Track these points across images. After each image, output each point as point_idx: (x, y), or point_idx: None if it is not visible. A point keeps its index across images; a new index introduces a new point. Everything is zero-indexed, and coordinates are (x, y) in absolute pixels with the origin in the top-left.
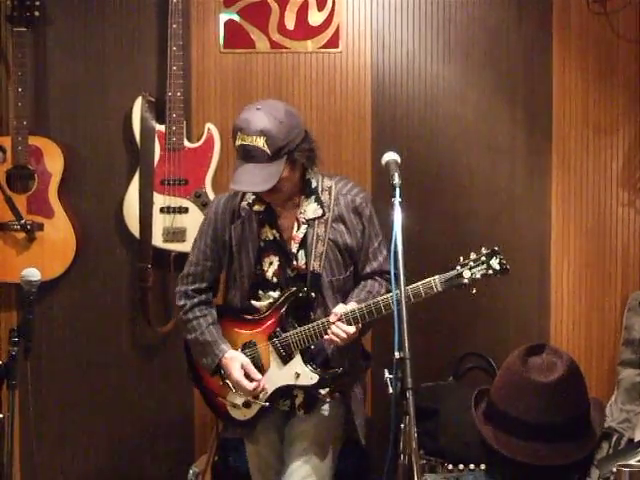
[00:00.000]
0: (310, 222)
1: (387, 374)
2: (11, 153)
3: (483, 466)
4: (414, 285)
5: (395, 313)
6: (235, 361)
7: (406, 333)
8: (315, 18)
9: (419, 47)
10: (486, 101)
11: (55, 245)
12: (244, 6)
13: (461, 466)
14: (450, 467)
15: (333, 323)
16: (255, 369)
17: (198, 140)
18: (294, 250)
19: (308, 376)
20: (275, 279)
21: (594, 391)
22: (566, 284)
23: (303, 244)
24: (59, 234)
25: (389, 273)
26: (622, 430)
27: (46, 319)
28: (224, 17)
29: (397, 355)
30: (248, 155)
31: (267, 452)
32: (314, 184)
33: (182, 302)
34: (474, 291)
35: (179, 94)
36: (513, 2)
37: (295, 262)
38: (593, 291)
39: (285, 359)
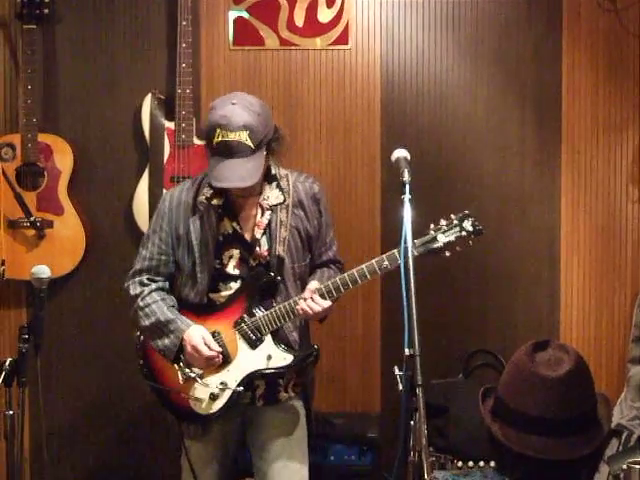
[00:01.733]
0: (273, 208)
1: (397, 371)
2: (21, 150)
3: (493, 463)
4: (390, 252)
5: (405, 310)
6: (197, 331)
7: (416, 330)
8: (324, 15)
9: (429, 44)
10: (496, 98)
11: (65, 242)
12: (253, 3)
13: (471, 463)
14: (460, 464)
15: (308, 298)
16: (215, 341)
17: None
18: (258, 236)
19: (281, 357)
20: (237, 271)
21: (604, 388)
22: (576, 281)
23: (267, 230)
24: (69, 231)
25: (341, 263)
26: (632, 427)
27: (56, 316)
28: (233, 14)
29: (407, 352)
30: (231, 151)
31: (212, 455)
32: (274, 171)
33: (138, 290)
34: (448, 254)
35: (188, 91)
36: None
37: (258, 249)
38: (603, 288)
39: (254, 343)
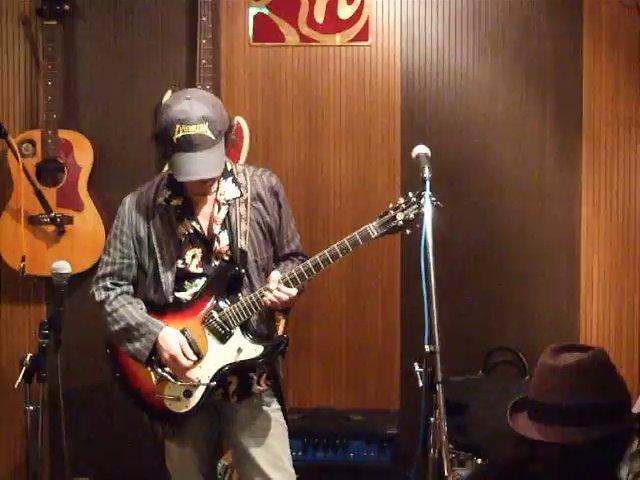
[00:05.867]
0: (230, 202)
1: (417, 367)
2: (41, 146)
3: None
4: (350, 235)
5: (425, 306)
6: (174, 336)
7: (436, 326)
8: (345, 11)
9: (449, 40)
10: (516, 95)
11: (85, 238)
12: None
13: None
14: (479, 461)
15: (274, 289)
16: (191, 350)
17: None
18: (216, 232)
19: (252, 348)
20: (200, 269)
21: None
22: (596, 279)
23: (226, 225)
24: (89, 227)
25: (303, 255)
26: None
27: (76, 312)
28: (254, 10)
29: (427, 349)
30: (193, 144)
31: (190, 454)
32: (229, 167)
33: (103, 295)
34: (409, 232)
35: (209, 87)
36: None
37: (217, 244)
38: (623, 286)
39: (224, 337)
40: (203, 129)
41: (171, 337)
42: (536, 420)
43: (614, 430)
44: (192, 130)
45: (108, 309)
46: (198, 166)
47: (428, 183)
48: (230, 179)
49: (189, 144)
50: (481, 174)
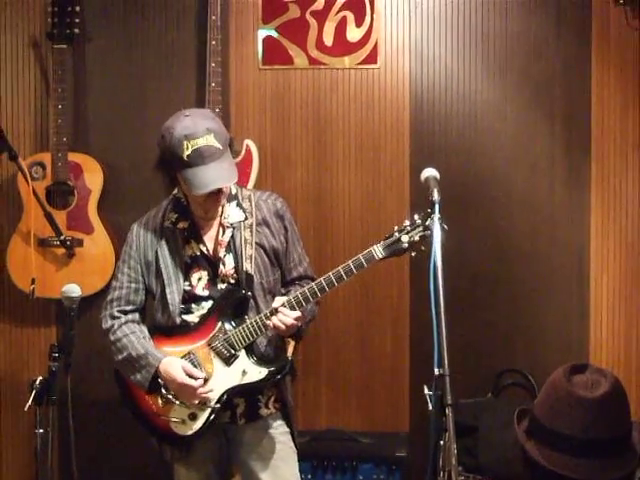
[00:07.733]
0: (235, 225)
1: (426, 390)
2: (51, 169)
3: None
4: (355, 257)
5: (434, 329)
6: (174, 364)
7: (445, 350)
8: (353, 34)
9: (457, 63)
10: (525, 116)
11: (94, 261)
12: (282, 22)
13: None
14: None
15: (276, 311)
16: (195, 368)
17: (237, 156)
18: (221, 255)
19: (256, 371)
20: (206, 292)
21: (634, 407)
22: (605, 300)
23: (231, 248)
24: (98, 250)
25: (312, 279)
26: None
27: (86, 334)
28: (263, 33)
29: (437, 372)
30: (204, 156)
31: (198, 477)
32: (234, 190)
33: (108, 324)
34: (414, 254)
35: (218, 110)
36: (552, 17)
37: (223, 268)
38: (632, 307)
39: (229, 360)
40: (211, 140)
41: (172, 367)
42: (555, 450)
43: (635, 465)
44: (201, 143)
45: (112, 338)
46: (212, 176)
47: (437, 206)
48: (234, 203)
49: (200, 157)
50: (490, 195)
